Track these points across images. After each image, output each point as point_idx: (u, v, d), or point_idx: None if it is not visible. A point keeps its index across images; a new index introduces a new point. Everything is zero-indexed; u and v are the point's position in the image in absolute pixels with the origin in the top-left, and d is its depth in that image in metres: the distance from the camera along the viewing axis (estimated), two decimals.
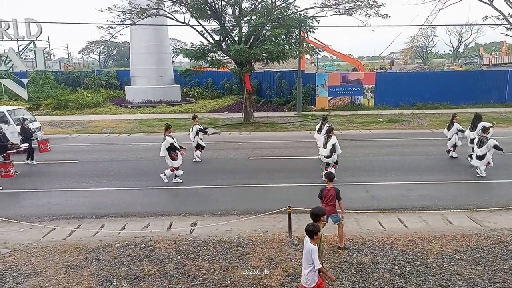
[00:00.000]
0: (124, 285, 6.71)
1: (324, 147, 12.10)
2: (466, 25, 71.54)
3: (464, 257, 7.42)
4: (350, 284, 6.61)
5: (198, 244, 8.13)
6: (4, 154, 13.08)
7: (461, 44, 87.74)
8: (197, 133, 14.78)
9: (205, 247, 8.00)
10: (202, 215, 9.87)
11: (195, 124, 14.81)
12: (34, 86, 32.00)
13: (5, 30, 29.99)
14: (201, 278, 6.86)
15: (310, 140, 18.96)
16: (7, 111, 17.00)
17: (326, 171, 12.01)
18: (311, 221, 5.64)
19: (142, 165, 14.70)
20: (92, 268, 7.26)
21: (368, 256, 7.49)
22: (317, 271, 5.32)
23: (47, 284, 6.76)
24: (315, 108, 28.63)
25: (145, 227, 9.18)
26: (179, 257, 7.63)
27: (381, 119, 24.09)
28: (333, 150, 11.94)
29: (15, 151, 13.80)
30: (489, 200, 10.42)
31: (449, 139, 14.89)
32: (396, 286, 6.51)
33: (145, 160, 15.51)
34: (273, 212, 9.14)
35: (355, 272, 6.96)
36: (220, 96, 33.54)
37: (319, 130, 14.36)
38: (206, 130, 15.74)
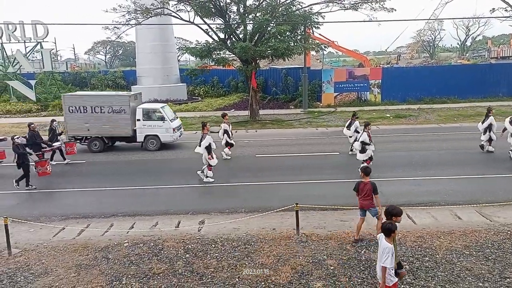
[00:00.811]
0: (134, 283, 6.76)
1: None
2: (474, 18, 70.70)
3: (474, 253, 7.36)
4: (359, 280, 6.59)
5: (206, 242, 8.16)
6: (39, 153, 13.25)
7: (468, 38, 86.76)
8: (225, 131, 14.78)
9: (213, 245, 8.03)
10: (209, 214, 9.90)
11: (224, 122, 14.85)
12: (41, 87, 32.28)
13: (12, 32, 30.28)
14: (209, 276, 6.89)
15: (316, 137, 18.95)
16: (161, 107, 17.07)
17: (362, 165, 12.14)
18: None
19: (149, 165, 14.78)
20: (101, 267, 7.33)
21: (377, 253, 7.45)
22: (390, 269, 5.13)
23: (57, 283, 6.83)
24: (321, 104, 28.51)
25: (154, 226, 9.24)
26: (187, 255, 7.67)
27: (388, 115, 23.94)
28: (365, 145, 12.10)
29: (50, 149, 13.99)
30: (498, 195, 10.31)
31: (483, 133, 14.45)
32: (405, 282, 6.48)
33: (152, 159, 15.58)
34: (280, 209, 9.13)
35: (363, 269, 6.94)
36: (226, 94, 33.56)
37: (349, 126, 14.75)
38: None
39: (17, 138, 12.05)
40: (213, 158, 12.17)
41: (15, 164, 12.04)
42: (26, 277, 7.09)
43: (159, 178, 12.97)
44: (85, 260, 7.62)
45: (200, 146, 12.15)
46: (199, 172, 12.43)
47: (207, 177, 12.30)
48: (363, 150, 12.21)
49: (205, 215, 9.83)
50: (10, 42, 30.88)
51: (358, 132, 14.03)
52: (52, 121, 15.56)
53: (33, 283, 6.90)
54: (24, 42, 30.98)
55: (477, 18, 63.76)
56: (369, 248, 7.65)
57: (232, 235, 8.50)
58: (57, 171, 14.32)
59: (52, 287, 6.74)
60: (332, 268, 7.00)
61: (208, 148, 12.02)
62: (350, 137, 14.82)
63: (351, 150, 14.78)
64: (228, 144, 14.95)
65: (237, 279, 6.75)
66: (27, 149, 12.45)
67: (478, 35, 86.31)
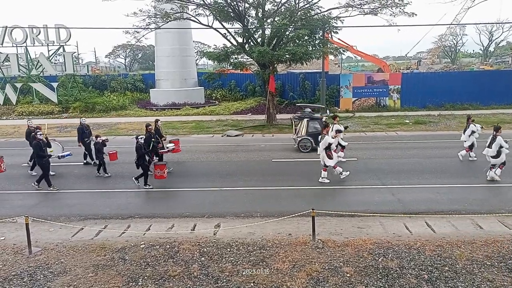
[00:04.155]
0: (149, 285, 6.81)
1: (489, 147, 12.04)
2: (497, 23, 69.23)
3: (496, 263, 7.15)
4: None
5: (221, 246, 8.17)
6: (152, 154, 13.52)
7: (491, 43, 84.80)
8: (338, 131, 14.71)
9: (229, 249, 8.03)
10: (225, 217, 9.92)
11: (335, 124, 14.83)
12: (63, 90, 33.04)
13: (36, 36, 31.10)
14: (225, 280, 6.89)
15: None
16: None
17: (490, 171, 11.98)
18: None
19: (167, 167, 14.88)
20: (118, 268, 7.41)
21: (394, 261, 7.33)
22: None
23: (75, 283, 6.94)
24: (339, 109, 28.28)
25: (170, 229, 9.30)
26: (203, 258, 7.69)
27: (407, 121, 23.57)
28: (500, 150, 11.82)
29: (167, 151, 14.28)
30: None
31: None
32: None
33: (169, 162, 15.69)
34: (296, 214, 9.07)
35: (380, 277, 6.82)
36: (243, 98, 33.64)
37: (465, 131, 14.55)
38: (346, 126, 16.00)
39: (141, 138, 12.46)
40: (331, 158, 12.36)
41: (135, 163, 12.42)
42: (45, 276, 7.22)
43: (175, 180, 13.04)
44: (103, 260, 7.73)
45: (319, 146, 12.44)
46: (341, 177, 12.47)
47: (322, 178, 12.47)
48: (498, 155, 11.83)
49: (220, 218, 9.84)
50: (34, 45, 31.70)
51: (474, 133, 14.14)
52: (156, 120, 15.26)
53: (52, 281, 7.03)
54: (47, 45, 31.72)
55: (501, 23, 62.41)
56: (386, 256, 7.52)
57: (247, 239, 8.48)
58: (78, 171, 14.55)
59: (70, 286, 6.85)
60: (348, 275, 6.91)
61: (327, 148, 12.26)
62: (465, 141, 14.42)
63: (469, 156, 14.48)
64: (342, 146, 14.96)
65: (252, 284, 6.73)
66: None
67: (502, 40, 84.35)
